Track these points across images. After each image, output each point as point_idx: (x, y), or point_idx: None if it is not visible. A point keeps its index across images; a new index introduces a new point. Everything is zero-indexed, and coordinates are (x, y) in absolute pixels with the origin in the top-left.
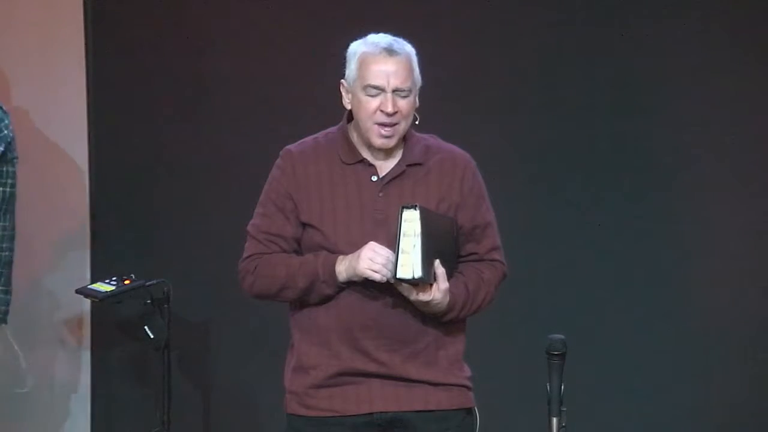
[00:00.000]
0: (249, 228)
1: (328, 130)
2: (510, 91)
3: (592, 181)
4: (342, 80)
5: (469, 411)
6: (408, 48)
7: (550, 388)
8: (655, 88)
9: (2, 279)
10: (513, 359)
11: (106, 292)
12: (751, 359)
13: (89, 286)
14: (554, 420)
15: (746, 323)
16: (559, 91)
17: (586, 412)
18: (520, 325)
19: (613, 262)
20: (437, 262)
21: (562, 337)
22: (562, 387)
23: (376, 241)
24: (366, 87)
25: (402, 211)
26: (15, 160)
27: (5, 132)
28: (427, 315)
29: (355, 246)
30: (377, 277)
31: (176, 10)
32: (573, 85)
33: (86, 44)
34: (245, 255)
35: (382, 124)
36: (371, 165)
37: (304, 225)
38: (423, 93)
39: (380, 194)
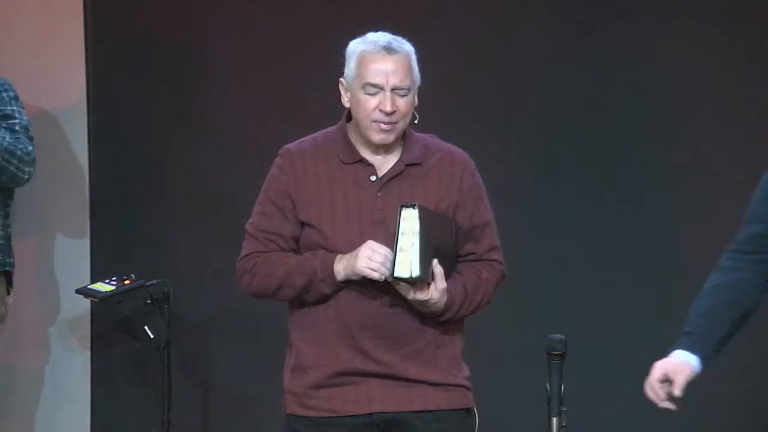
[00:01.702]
0: (247, 226)
1: (327, 129)
2: (509, 90)
3: (592, 181)
4: (341, 78)
5: (469, 411)
6: (407, 47)
7: (550, 388)
8: (655, 88)
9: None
10: (513, 359)
11: (106, 292)
12: (752, 360)
13: (89, 286)
14: (554, 420)
15: (747, 324)
16: (558, 91)
17: (586, 412)
18: (520, 325)
19: (613, 262)
20: (435, 261)
21: (562, 337)
22: (562, 387)
23: (375, 240)
24: (365, 85)
25: (401, 210)
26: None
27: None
28: (425, 315)
29: (354, 245)
30: (375, 275)
31: (176, 10)
32: (573, 85)
33: (86, 44)
34: (243, 253)
35: (381, 123)
36: (370, 165)
37: (303, 224)
38: (422, 92)
39: (379, 194)
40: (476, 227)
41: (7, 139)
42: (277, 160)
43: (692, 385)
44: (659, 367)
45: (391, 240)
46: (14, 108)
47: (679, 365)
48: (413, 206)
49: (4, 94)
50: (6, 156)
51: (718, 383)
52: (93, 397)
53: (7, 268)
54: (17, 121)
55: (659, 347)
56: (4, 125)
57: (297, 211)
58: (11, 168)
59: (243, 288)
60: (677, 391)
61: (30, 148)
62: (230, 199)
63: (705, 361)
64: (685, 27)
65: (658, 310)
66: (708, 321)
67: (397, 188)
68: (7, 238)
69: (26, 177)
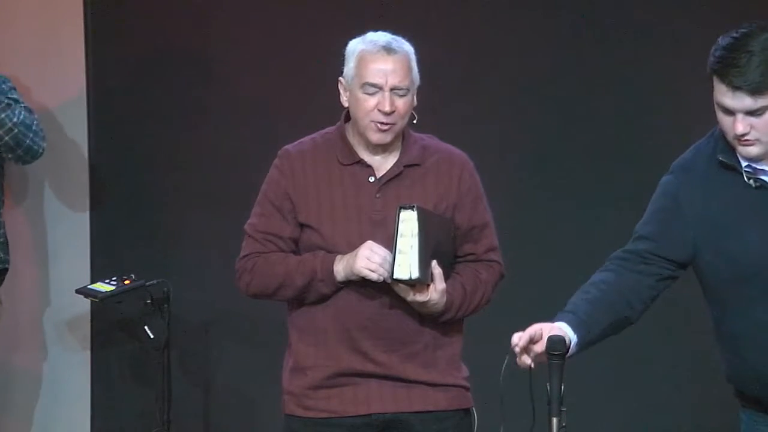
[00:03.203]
0: (246, 227)
1: (326, 130)
2: (509, 91)
3: (592, 181)
4: (340, 78)
5: (468, 411)
6: (406, 47)
7: (550, 388)
8: (656, 87)
9: None
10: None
11: (106, 292)
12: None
13: (89, 286)
14: (554, 420)
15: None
16: (558, 91)
17: (586, 412)
18: (520, 325)
19: None
20: (434, 263)
21: (563, 336)
22: (562, 387)
23: (374, 241)
24: (364, 85)
25: (399, 212)
26: None
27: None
28: (424, 315)
29: (353, 247)
30: (373, 276)
31: (176, 10)
32: (573, 86)
33: (86, 44)
34: (242, 254)
35: (380, 122)
36: (368, 166)
37: (302, 225)
38: (421, 92)
39: (378, 195)
40: (475, 228)
41: (23, 113)
42: (276, 161)
43: (691, 385)
44: (537, 326)
45: (390, 241)
46: (15, 96)
47: (560, 328)
48: (412, 208)
49: (3, 86)
50: (22, 129)
51: (717, 382)
52: (93, 397)
53: (7, 266)
54: (23, 104)
55: (660, 346)
56: (14, 101)
57: (296, 213)
58: (27, 141)
59: (242, 288)
60: (538, 346)
61: (41, 126)
62: (230, 199)
63: (578, 347)
64: (687, 26)
65: (658, 309)
66: (592, 311)
67: (395, 189)
68: (6, 236)
69: (41, 151)
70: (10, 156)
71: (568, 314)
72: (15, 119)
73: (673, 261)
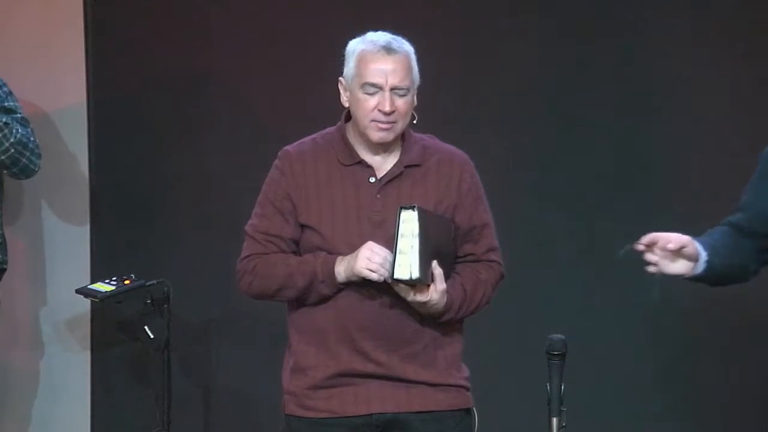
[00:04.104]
0: (247, 228)
1: (326, 130)
2: (509, 90)
3: (592, 182)
4: (340, 78)
5: (468, 411)
6: (407, 46)
7: (550, 388)
8: (656, 89)
9: None
10: (513, 359)
11: (106, 292)
12: (750, 359)
13: (89, 286)
14: (554, 420)
15: (746, 323)
16: (558, 92)
17: (586, 412)
18: (520, 325)
19: (613, 262)
20: (435, 263)
21: (562, 337)
22: (562, 387)
23: (375, 242)
24: (364, 85)
25: (400, 212)
26: None
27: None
28: (424, 316)
29: (353, 247)
30: (374, 276)
31: (176, 10)
32: (572, 86)
33: (86, 44)
34: (243, 255)
35: (380, 122)
36: (369, 166)
37: (303, 226)
38: (421, 92)
39: (378, 195)
40: (475, 228)
41: (20, 131)
42: (276, 161)
43: (691, 385)
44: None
45: (390, 241)
46: (12, 103)
47: (692, 240)
48: (412, 208)
49: None
50: (19, 148)
51: (717, 383)
52: (93, 397)
53: (5, 266)
54: (20, 115)
55: (660, 347)
56: (10, 117)
57: (297, 214)
58: (24, 160)
59: (243, 289)
60: (671, 245)
61: (37, 141)
62: (230, 199)
63: (707, 264)
64: (687, 27)
65: (658, 310)
66: (716, 244)
67: (396, 189)
68: (4, 236)
69: (36, 169)
70: (5, 172)
71: (699, 237)
72: (12, 139)
73: (764, 235)
